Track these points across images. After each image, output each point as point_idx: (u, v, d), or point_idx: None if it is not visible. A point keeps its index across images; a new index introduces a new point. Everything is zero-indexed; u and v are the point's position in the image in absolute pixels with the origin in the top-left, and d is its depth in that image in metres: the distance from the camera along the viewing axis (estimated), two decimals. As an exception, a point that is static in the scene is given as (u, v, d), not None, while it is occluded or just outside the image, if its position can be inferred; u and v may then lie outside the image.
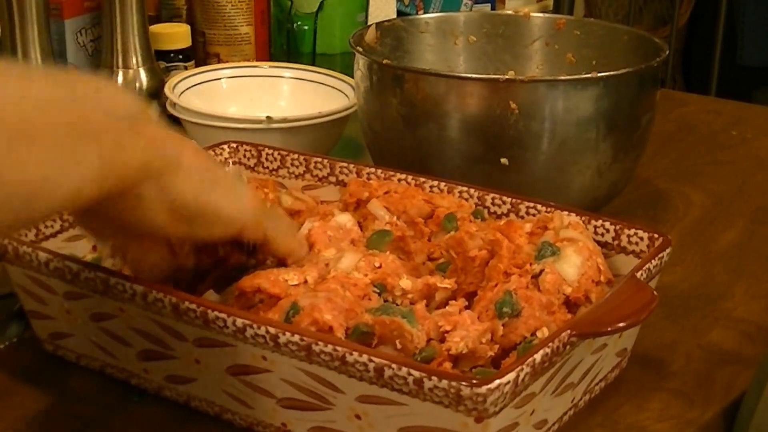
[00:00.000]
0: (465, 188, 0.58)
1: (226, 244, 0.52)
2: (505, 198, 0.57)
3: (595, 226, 0.54)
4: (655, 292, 0.46)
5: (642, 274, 0.49)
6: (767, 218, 0.75)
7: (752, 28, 2.02)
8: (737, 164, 0.85)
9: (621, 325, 0.44)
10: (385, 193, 0.58)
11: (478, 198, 0.58)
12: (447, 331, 0.46)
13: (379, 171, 0.61)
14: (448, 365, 0.45)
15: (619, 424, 0.50)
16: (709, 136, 0.92)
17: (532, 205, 0.56)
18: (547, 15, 0.83)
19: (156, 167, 0.43)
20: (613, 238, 0.54)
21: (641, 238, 0.53)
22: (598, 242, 0.54)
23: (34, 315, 0.54)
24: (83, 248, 0.57)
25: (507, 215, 0.57)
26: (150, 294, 0.47)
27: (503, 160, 0.65)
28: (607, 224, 0.54)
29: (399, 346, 0.45)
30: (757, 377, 0.51)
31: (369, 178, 0.61)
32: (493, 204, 0.58)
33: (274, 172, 0.65)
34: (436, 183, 0.59)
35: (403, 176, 0.60)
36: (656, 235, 0.52)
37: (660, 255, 0.51)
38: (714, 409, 0.52)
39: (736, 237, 0.72)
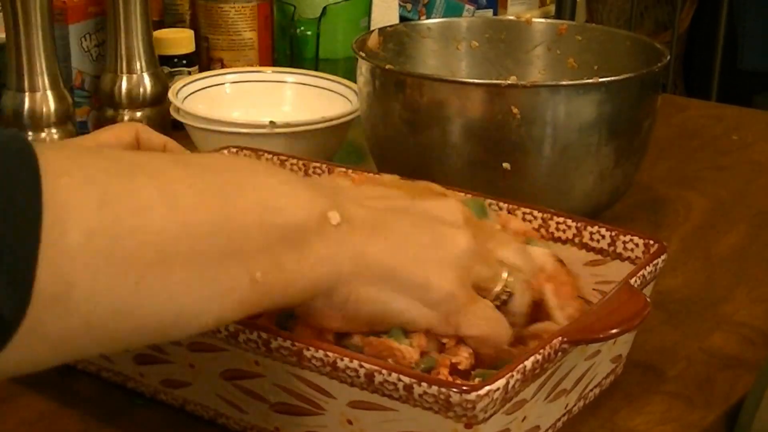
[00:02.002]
0: (462, 193, 0.58)
1: None
2: (501, 204, 0.57)
3: (591, 233, 0.54)
4: (648, 299, 0.46)
5: (636, 281, 0.49)
6: (768, 223, 0.75)
7: (753, 33, 2.02)
8: (738, 169, 0.85)
9: (613, 331, 0.44)
10: None
11: None
12: (445, 344, 0.45)
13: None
14: (444, 371, 0.45)
15: (620, 428, 0.50)
16: (710, 140, 0.92)
17: (528, 211, 0.56)
18: (548, 20, 0.83)
19: (322, 286, 0.40)
20: (609, 245, 0.54)
21: (636, 245, 0.53)
22: (594, 248, 0.54)
23: None
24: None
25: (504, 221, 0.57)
26: None
27: (505, 165, 0.65)
28: (602, 230, 0.54)
29: (392, 363, 0.44)
30: (758, 381, 0.51)
31: None
32: (489, 209, 0.57)
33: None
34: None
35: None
36: (652, 242, 0.52)
37: (655, 261, 0.50)
38: (715, 412, 0.52)
39: (737, 241, 0.72)
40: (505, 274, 0.46)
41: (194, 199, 0.35)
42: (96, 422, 0.50)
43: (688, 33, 2.13)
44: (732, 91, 1.72)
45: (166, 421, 0.50)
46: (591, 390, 0.51)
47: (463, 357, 0.45)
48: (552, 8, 1.55)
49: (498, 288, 0.46)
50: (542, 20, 0.82)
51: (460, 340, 0.46)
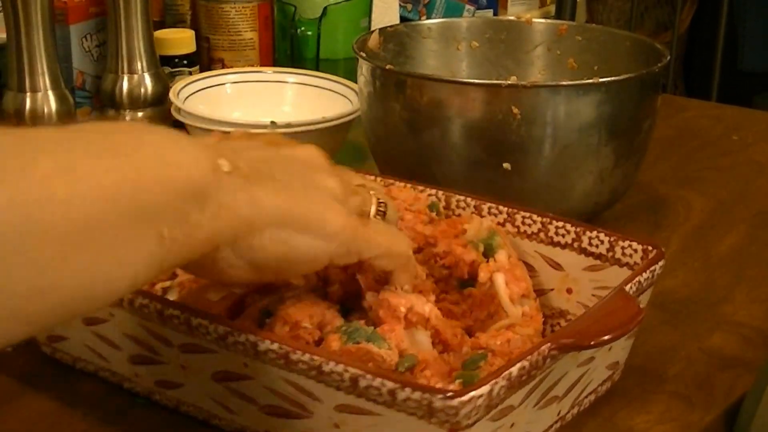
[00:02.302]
0: (462, 197, 0.58)
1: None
2: (501, 207, 0.57)
3: (590, 238, 0.54)
4: (641, 306, 0.46)
5: (632, 287, 0.48)
6: (768, 223, 0.75)
7: (753, 34, 2.02)
8: (738, 169, 0.86)
9: (604, 338, 0.43)
10: None
11: (475, 207, 0.57)
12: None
13: (378, 179, 0.60)
14: (428, 373, 0.45)
15: (620, 427, 0.51)
16: (710, 141, 0.92)
17: (527, 215, 0.56)
18: (549, 21, 0.83)
19: (226, 235, 0.40)
20: (608, 250, 0.53)
21: (635, 250, 0.52)
22: (592, 254, 0.54)
23: None
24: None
25: (503, 225, 0.57)
26: (136, 300, 0.47)
27: (505, 165, 0.65)
28: (601, 236, 0.53)
29: (373, 367, 0.44)
30: (757, 381, 0.51)
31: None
32: (489, 213, 0.57)
33: None
34: (434, 192, 0.59)
35: (402, 183, 0.59)
36: (650, 248, 0.52)
37: (652, 268, 0.50)
38: (715, 412, 0.52)
39: (737, 242, 0.72)
40: (371, 193, 0.49)
41: (92, 164, 0.35)
42: (97, 422, 0.50)
43: (689, 33, 2.13)
44: (732, 91, 1.72)
45: (165, 421, 0.50)
46: (586, 397, 0.50)
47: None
48: (552, 8, 1.55)
49: (373, 208, 0.49)
50: (542, 20, 0.82)
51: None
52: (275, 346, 0.43)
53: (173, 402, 0.50)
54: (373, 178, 0.56)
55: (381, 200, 0.50)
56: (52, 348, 0.54)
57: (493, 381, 0.40)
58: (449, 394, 0.39)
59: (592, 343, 0.43)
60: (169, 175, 0.37)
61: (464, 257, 0.53)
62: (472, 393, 0.39)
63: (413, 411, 0.40)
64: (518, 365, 0.41)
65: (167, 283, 0.52)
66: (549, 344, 0.43)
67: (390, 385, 0.40)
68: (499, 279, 0.51)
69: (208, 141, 0.45)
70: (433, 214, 0.57)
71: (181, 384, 0.49)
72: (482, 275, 0.52)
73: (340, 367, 0.41)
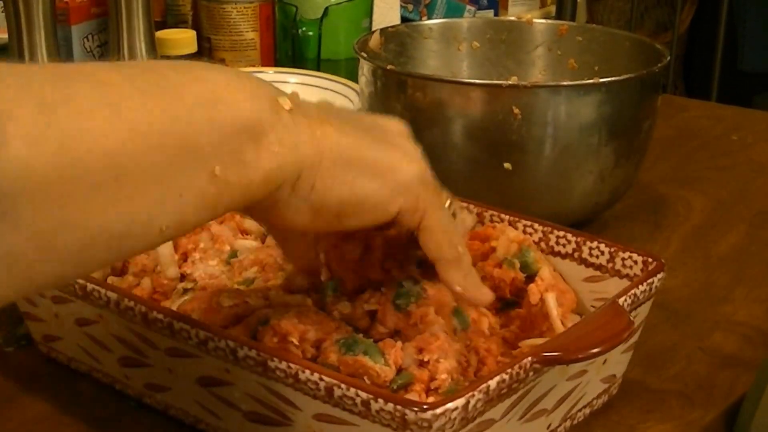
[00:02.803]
0: (465, 204, 0.57)
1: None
2: (503, 215, 0.56)
3: (590, 248, 0.53)
4: (631, 319, 0.45)
5: (626, 300, 0.47)
6: (767, 223, 0.75)
7: (753, 34, 2.02)
8: (738, 169, 0.86)
9: (592, 352, 0.42)
10: None
11: (477, 214, 0.57)
12: (426, 361, 0.45)
13: None
14: (420, 387, 0.45)
15: (621, 426, 0.51)
16: (710, 141, 0.93)
17: (529, 223, 0.55)
18: (549, 21, 0.83)
19: (285, 175, 0.38)
20: (608, 261, 0.53)
21: (635, 262, 0.52)
22: (593, 264, 0.53)
23: (28, 317, 0.55)
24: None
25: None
26: (122, 302, 0.47)
27: (506, 165, 0.66)
28: (602, 246, 0.53)
29: (368, 381, 0.44)
30: (757, 380, 0.52)
31: None
32: (491, 220, 0.57)
33: None
34: None
35: None
36: (650, 259, 0.51)
37: (650, 280, 0.49)
38: (715, 411, 0.52)
39: (736, 241, 0.72)
40: (447, 193, 0.47)
41: (139, 100, 0.33)
42: (92, 424, 0.50)
43: (689, 34, 2.14)
44: (732, 91, 1.72)
45: (155, 424, 0.50)
46: (580, 410, 0.50)
47: (441, 378, 0.45)
48: (553, 9, 1.55)
49: (447, 200, 0.46)
50: (543, 21, 0.83)
51: (439, 358, 0.45)
52: (253, 353, 0.42)
53: (162, 405, 0.50)
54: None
55: (454, 203, 0.47)
56: (48, 347, 0.55)
57: (469, 394, 0.39)
58: (423, 406, 0.39)
59: (578, 356, 0.42)
60: (222, 113, 0.35)
61: (504, 278, 0.52)
62: (447, 405, 0.39)
63: (387, 423, 0.40)
64: (497, 378, 0.40)
65: (189, 285, 0.52)
66: (531, 357, 0.42)
67: (364, 395, 0.40)
68: (551, 300, 0.50)
69: (271, 84, 0.42)
70: None
71: (169, 387, 0.49)
72: (533, 297, 0.50)
73: (315, 376, 0.41)
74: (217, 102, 0.35)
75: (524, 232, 0.56)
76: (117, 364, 0.51)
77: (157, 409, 0.50)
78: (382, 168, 0.40)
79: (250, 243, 0.55)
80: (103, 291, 0.47)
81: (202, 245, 0.55)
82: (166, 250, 0.54)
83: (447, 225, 0.44)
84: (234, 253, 0.54)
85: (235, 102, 0.36)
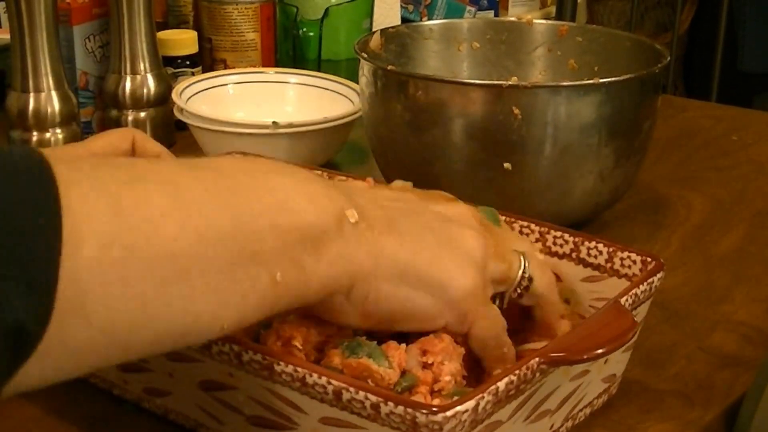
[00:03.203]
0: (544, 257, 0.56)
1: None
2: (499, 216, 0.55)
3: (588, 248, 0.53)
4: (635, 319, 0.45)
5: (628, 300, 0.47)
6: (767, 223, 0.76)
7: (753, 35, 2.02)
8: (738, 169, 0.86)
9: (597, 352, 0.42)
10: None
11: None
12: (430, 363, 0.45)
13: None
14: (424, 389, 0.44)
15: (621, 425, 0.51)
16: (710, 141, 0.93)
17: (525, 224, 0.55)
18: (549, 22, 0.84)
19: (342, 284, 0.40)
20: (606, 261, 0.53)
21: (634, 261, 0.52)
22: (591, 264, 0.53)
23: None
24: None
25: None
26: None
27: (506, 165, 0.66)
28: (600, 246, 0.53)
29: (372, 384, 0.44)
30: (757, 379, 0.52)
31: None
32: None
33: None
34: None
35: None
36: (649, 259, 0.51)
37: (650, 280, 0.49)
38: (715, 410, 0.52)
39: (736, 241, 0.72)
40: (520, 261, 0.47)
41: (208, 205, 0.35)
42: (87, 428, 0.50)
43: (688, 34, 2.14)
44: (732, 92, 1.72)
45: (153, 428, 0.50)
46: (581, 410, 0.50)
47: (445, 381, 0.45)
48: (553, 9, 1.56)
49: (518, 276, 0.46)
50: (543, 21, 0.83)
51: (443, 360, 0.45)
52: (258, 357, 0.42)
53: (161, 410, 0.50)
54: (539, 246, 0.53)
55: (527, 273, 0.46)
56: None
57: (479, 396, 0.39)
58: (433, 409, 0.38)
59: (584, 357, 0.42)
60: (288, 222, 0.37)
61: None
62: (457, 408, 0.38)
63: (397, 426, 0.39)
64: (505, 380, 0.40)
65: None
66: (538, 358, 0.42)
67: (373, 399, 0.39)
68: (563, 327, 0.49)
69: (354, 187, 0.44)
70: None
71: (169, 392, 0.48)
72: (538, 314, 0.50)
73: (323, 380, 0.41)
74: (284, 210, 0.37)
75: (521, 232, 0.56)
76: (116, 368, 0.50)
77: (153, 413, 0.50)
78: (435, 284, 0.42)
79: None
80: None
81: None
82: None
83: (493, 329, 0.45)
84: None
85: (302, 211, 0.38)
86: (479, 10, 1.52)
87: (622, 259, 0.52)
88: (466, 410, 0.39)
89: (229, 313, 0.36)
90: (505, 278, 0.46)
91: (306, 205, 0.38)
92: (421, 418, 0.39)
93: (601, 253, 0.53)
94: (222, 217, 0.35)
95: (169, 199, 0.34)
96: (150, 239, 0.33)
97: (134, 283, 0.33)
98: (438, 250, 0.43)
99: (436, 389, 0.45)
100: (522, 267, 0.47)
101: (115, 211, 0.33)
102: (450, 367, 0.45)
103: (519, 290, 0.47)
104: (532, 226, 0.55)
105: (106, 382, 0.52)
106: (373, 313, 0.42)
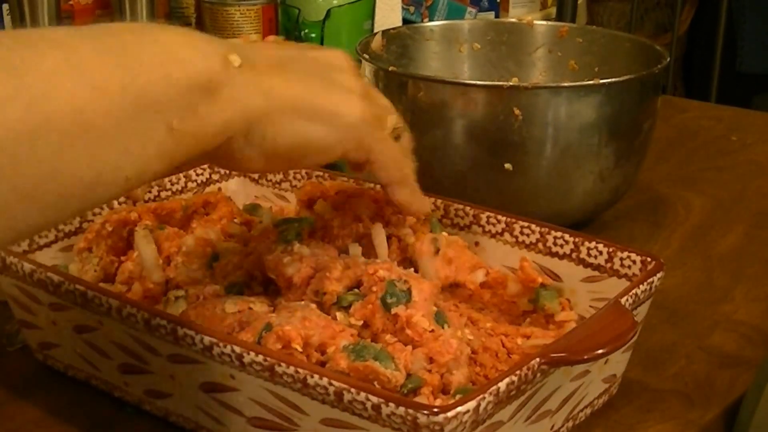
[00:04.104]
0: (461, 206, 0.58)
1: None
2: (500, 217, 0.56)
3: (588, 248, 0.53)
4: (635, 320, 0.45)
5: (628, 300, 0.47)
6: (767, 223, 0.76)
7: (752, 36, 2.02)
8: (737, 169, 0.86)
9: (598, 353, 0.42)
10: (336, 193, 0.57)
11: (474, 216, 0.57)
12: (437, 360, 0.45)
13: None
14: (427, 390, 0.45)
15: (620, 425, 0.51)
16: (710, 141, 0.93)
17: (526, 225, 0.56)
18: (550, 23, 0.84)
19: (237, 126, 0.41)
20: (606, 261, 0.53)
21: (634, 261, 0.52)
22: (591, 264, 0.53)
23: (24, 324, 0.54)
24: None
25: (501, 234, 0.56)
26: (124, 309, 0.46)
27: (507, 166, 0.66)
28: (600, 246, 0.53)
29: (379, 386, 0.44)
30: (757, 379, 0.52)
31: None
32: (487, 222, 0.57)
33: (276, 185, 0.66)
34: (432, 199, 0.58)
35: (432, 199, 0.58)
36: (649, 259, 0.51)
37: (650, 280, 0.49)
38: (714, 410, 0.53)
39: (736, 241, 0.73)
40: (391, 110, 0.50)
41: (100, 61, 0.36)
42: (88, 430, 0.50)
43: (688, 35, 2.14)
44: (731, 92, 1.72)
45: (154, 430, 0.50)
46: (581, 411, 0.50)
47: (453, 380, 0.45)
48: (553, 11, 1.56)
49: (392, 121, 0.49)
50: (543, 23, 0.83)
51: (450, 361, 0.45)
52: (260, 358, 0.42)
53: (162, 412, 0.50)
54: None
55: (398, 125, 0.50)
56: (44, 355, 0.54)
57: (480, 396, 0.39)
58: (434, 409, 0.38)
59: (585, 357, 0.42)
60: (177, 71, 0.38)
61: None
62: (458, 409, 0.39)
63: (398, 426, 0.40)
64: (506, 380, 0.40)
65: (180, 293, 0.52)
66: (539, 359, 0.42)
67: (375, 400, 0.40)
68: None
69: (230, 40, 0.46)
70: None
71: (170, 394, 0.49)
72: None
73: (324, 381, 0.41)
74: (172, 61, 0.39)
75: (521, 233, 0.56)
76: (116, 371, 0.50)
77: (153, 415, 0.50)
78: (327, 114, 0.44)
79: (233, 246, 0.55)
80: (104, 298, 0.47)
81: (184, 249, 0.54)
82: (150, 254, 0.54)
83: (391, 152, 0.48)
84: (216, 256, 0.54)
85: (188, 60, 0.39)
86: (480, 11, 1.52)
87: (621, 259, 0.52)
88: (467, 411, 0.39)
89: (131, 163, 0.37)
90: (383, 118, 0.49)
91: (191, 53, 0.39)
92: (422, 418, 0.39)
93: (601, 253, 0.53)
94: (114, 71, 0.36)
95: (61, 59, 0.35)
96: (48, 95, 0.34)
97: (38, 139, 0.34)
98: (323, 85, 0.45)
99: (443, 390, 0.45)
100: (396, 118, 0.50)
101: (10, 71, 0.34)
102: (459, 377, 0.45)
103: (394, 135, 0.49)
104: (533, 226, 0.55)
105: (107, 385, 0.52)
106: (273, 153, 0.43)
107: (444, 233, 0.56)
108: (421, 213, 0.52)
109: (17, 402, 0.52)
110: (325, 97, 0.44)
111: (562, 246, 0.54)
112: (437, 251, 0.54)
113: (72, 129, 0.35)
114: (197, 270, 0.53)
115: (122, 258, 0.56)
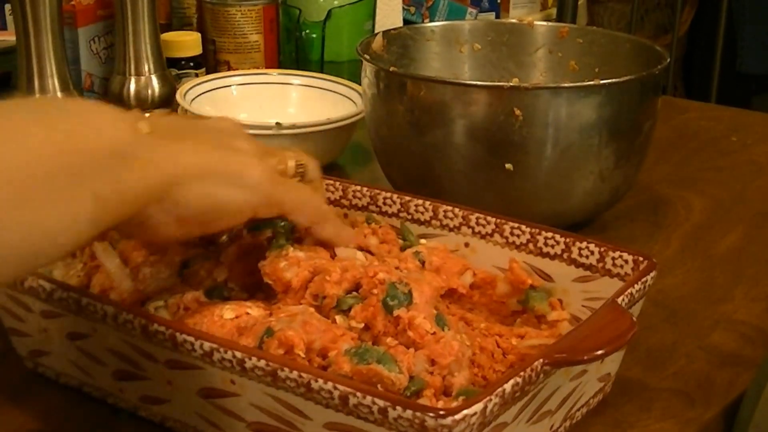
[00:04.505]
0: (450, 208, 0.57)
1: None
2: (489, 218, 0.56)
3: (580, 248, 0.53)
4: (634, 319, 0.45)
5: (624, 299, 0.47)
6: (767, 223, 0.76)
7: (752, 37, 2.03)
8: (737, 170, 0.86)
9: (598, 353, 0.43)
10: None
11: (463, 218, 0.57)
12: (438, 362, 0.45)
13: (395, 196, 0.59)
14: (429, 392, 0.45)
15: (620, 423, 0.51)
16: (710, 142, 0.93)
17: (516, 225, 0.55)
18: (550, 23, 0.84)
19: (155, 191, 0.43)
20: (598, 261, 0.53)
21: (626, 261, 0.52)
22: (583, 264, 0.53)
23: (13, 332, 0.54)
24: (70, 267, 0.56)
25: (491, 235, 0.56)
26: (120, 315, 0.46)
27: (508, 166, 0.66)
28: (591, 246, 0.53)
29: (382, 389, 0.44)
30: (756, 378, 0.52)
31: (385, 203, 0.59)
32: (477, 224, 0.57)
33: None
34: (421, 201, 0.58)
35: (421, 201, 0.58)
36: (641, 258, 0.51)
37: (644, 279, 0.49)
38: (714, 409, 0.53)
39: (736, 241, 0.73)
40: (289, 154, 0.52)
41: (18, 132, 0.38)
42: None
43: (688, 36, 2.14)
44: (731, 93, 1.72)
45: None
46: (578, 410, 0.50)
47: (455, 382, 0.45)
48: (553, 11, 1.56)
49: (291, 166, 0.52)
50: (544, 23, 0.83)
51: (452, 364, 0.46)
52: (262, 363, 0.42)
53: (158, 417, 0.49)
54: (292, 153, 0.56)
55: (300, 161, 0.52)
56: (35, 363, 0.54)
57: (487, 398, 0.39)
58: (441, 412, 0.38)
59: (586, 357, 0.43)
60: (94, 139, 0.41)
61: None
62: (465, 411, 0.39)
63: (405, 430, 0.39)
64: (511, 381, 0.40)
65: (159, 303, 0.51)
66: (542, 360, 0.42)
67: (381, 403, 0.39)
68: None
69: (132, 111, 0.49)
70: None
71: (167, 399, 0.48)
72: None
73: (329, 385, 0.41)
74: (88, 130, 0.41)
75: (511, 234, 0.55)
76: (111, 377, 0.50)
77: (149, 421, 0.50)
78: (232, 177, 0.47)
79: (201, 252, 0.54)
80: (99, 305, 0.47)
81: (151, 258, 0.53)
82: (114, 266, 0.53)
83: (302, 197, 0.50)
84: (186, 263, 0.53)
85: (103, 129, 0.42)
86: (480, 11, 1.52)
87: (613, 258, 0.52)
88: (475, 413, 0.39)
89: (66, 229, 0.39)
90: (283, 166, 0.52)
91: (104, 123, 0.42)
92: (430, 421, 0.39)
93: (592, 253, 0.53)
94: (34, 140, 0.39)
95: (8, 130, 0.38)
96: None
97: None
98: (223, 151, 0.47)
99: (445, 391, 0.45)
100: (294, 157, 0.52)
101: None
102: (460, 378, 0.46)
103: (298, 177, 0.52)
104: (523, 227, 0.55)
105: (101, 391, 0.51)
106: (187, 217, 0.45)
107: (423, 241, 0.56)
108: (350, 243, 0.53)
109: (10, 409, 0.52)
110: (228, 161, 0.47)
111: (553, 246, 0.54)
112: (423, 264, 0.54)
113: (17, 197, 0.37)
114: (167, 278, 0.53)
115: None
